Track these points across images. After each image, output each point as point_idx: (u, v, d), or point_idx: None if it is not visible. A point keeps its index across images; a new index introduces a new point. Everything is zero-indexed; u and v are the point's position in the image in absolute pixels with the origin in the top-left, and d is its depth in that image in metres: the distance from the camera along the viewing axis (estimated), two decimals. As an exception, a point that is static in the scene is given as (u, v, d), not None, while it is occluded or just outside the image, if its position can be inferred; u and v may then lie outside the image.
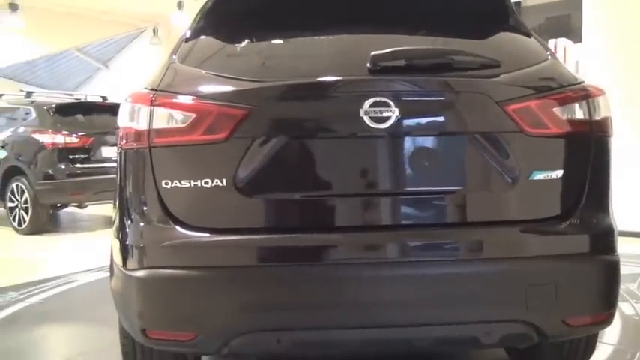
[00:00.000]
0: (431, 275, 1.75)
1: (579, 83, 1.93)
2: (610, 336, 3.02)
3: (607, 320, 1.89)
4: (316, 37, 2.10)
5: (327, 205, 1.81)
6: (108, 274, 2.05)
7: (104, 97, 8.38)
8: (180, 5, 10.75)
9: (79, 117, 7.46)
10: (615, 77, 5.95)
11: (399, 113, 1.73)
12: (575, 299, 1.81)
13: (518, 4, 10.10)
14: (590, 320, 1.86)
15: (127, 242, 1.84)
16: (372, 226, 1.79)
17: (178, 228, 1.77)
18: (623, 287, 3.95)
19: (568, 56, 6.13)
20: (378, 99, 1.72)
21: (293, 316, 1.73)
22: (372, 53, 1.78)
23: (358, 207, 1.80)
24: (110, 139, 6.90)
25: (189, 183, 1.77)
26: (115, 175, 2.01)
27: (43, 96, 8.32)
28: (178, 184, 1.78)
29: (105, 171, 6.78)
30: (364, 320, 1.75)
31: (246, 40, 2.10)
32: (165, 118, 1.81)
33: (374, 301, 1.73)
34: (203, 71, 1.96)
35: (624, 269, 4.69)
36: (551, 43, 6.15)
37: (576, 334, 1.98)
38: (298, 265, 1.73)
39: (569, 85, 1.91)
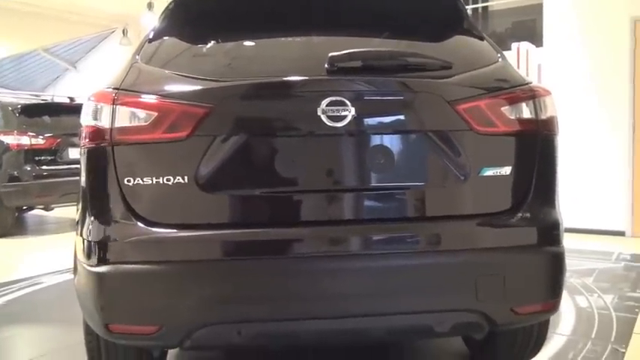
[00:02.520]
0: (387, 267, 1.82)
1: (527, 84, 2.03)
2: (564, 327, 3.15)
3: (553, 308, 1.99)
4: (276, 39, 2.16)
5: (286, 200, 1.87)
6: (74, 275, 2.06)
7: (72, 98, 8.27)
8: (150, 6, 10.67)
9: (46, 118, 7.36)
10: (573, 80, 6.16)
11: (355, 112, 1.80)
12: (523, 289, 1.90)
13: (485, 8, 10.35)
14: (537, 309, 1.96)
15: (90, 239, 1.87)
16: (329, 220, 1.85)
17: (140, 224, 1.81)
18: (580, 281, 4.11)
19: (530, 59, 6.31)
20: (334, 98, 1.79)
21: (253, 308, 1.78)
22: (330, 54, 1.85)
23: (315, 202, 1.86)
24: (77, 140, 6.82)
25: (152, 180, 1.81)
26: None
27: (8, 97, 8.18)
28: (140, 182, 1.82)
29: (72, 172, 6.69)
30: (323, 312, 1.81)
31: (208, 41, 2.14)
32: (127, 117, 1.84)
33: (332, 293, 1.80)
34: (165, 71, 2.00)
35: (583, 264, 4.87)
36: (514, 46, 6.32)
37: (525, 322, 2.07)
38: (256, 259, 1.79)
39: (517, 86, 2.00)
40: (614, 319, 3.28)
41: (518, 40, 6.78)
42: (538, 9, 8.14)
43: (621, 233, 5.95)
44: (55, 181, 6.79)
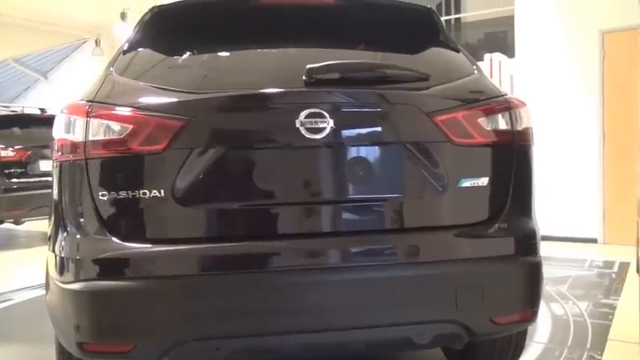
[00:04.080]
0: (367, 279, 1.81)
1: (502, 96, 2.06)
2: (540, 335, 3.18)
3: (531, 318, 2.01)
4: (253, 50, 2.15)
5: (265, 213, 1.85)
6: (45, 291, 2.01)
7: (43, 110, 8.11)
8: (123, 16, 10.57)
9: (16, 130, 7.20)
10: (545, 91, 6.28)
11: (334, 124, 1.79)
12: (502, 299, 1.91)
13: (458, 19, 10.51)
14: (516, 318, 1.97)
15: (63, 255, 1.82)
16: (308, 233, 1.84)
17: (115, 239, 1.77)
18: (554, 289, 4.16)
19: (503, 70, 6.41)
20: (313, 110, 1.78)
21: (230, 324, 1.75)
22: (308, 66, 1.84)
23: (294, 215, 1.85)
24: (49, 152, 6.70)
25: (127, 194, 1.78)
26: (53, 190, 1.98)
27: (-24, 108, 8.00)
28: (115, 196, 1.78)
29: (43, 185, 6.55)
30: (301, 326, 1.79)
31: (184, 53, 2.12)
32: (101, 130, 1.81)
33: (311, 307, 1.78)
34: (141, 83, 1.98)
35: (557, 272, 4.93)
36: (487, 57, 6.42)
37: (504, 332, 2.08)
38: (234, 274, 1.76)
39: (493, 98, 2.03)
40: (589, 326, 3.33)
41: (490, 51, 6.89)
42: (509, 21, 8.30)
43: (593, 240, 6.06)
44: (26, 194, 6.64)
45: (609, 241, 6.02)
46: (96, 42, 12.19)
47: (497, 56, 6.58)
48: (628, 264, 4.99)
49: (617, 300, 3.89)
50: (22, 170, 6.74)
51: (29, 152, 6.79)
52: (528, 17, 6.50)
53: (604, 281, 4.49)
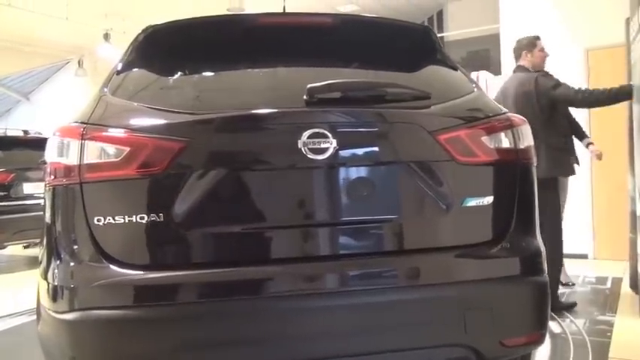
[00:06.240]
0: (372, 304, 1.75)
1: (504, 113, 2.04)
2: (541, 355, 3.14)
3: (540, 339, 1.96)
4: (252, 70, 2.11)
5: (267, 237, 1.79)
6: (31, 317, 1.92)
7: (25, 132, 7.98)
8: (107, 37, 10.53)
9: (-2, 152, 7.06)
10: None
11: (337, 144, 1.75)
12: (510, 320, 1.87)
13: (441, 38, 10.64)
14: (524, 340, 1.92)
15: (56, 283, 1.74)
16: (312, 256, 1.79)
17: (112, 266, 1.70)
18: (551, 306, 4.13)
19: (490, 88, 6.46)
20: (316, 130, 1.74)
21: (235, 352, 1.69)
22: (309, 86, 1.81)
23: (298, 238, 1.80)
24: (33, 175, 6.58)
25: (124, 219, 1.71)
26: (37, 213, 1.91)
27: (-43, 130, 7.84)
28: (112, 220, 1.71)
29: (26, 209, 6.41)
30: (305, 353, 1.73)
31: (181, 73, 2.07)
32: (97, 153, 1.75)
33: (315, 333, 1.72)
34: (136, 104, 1.92)
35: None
36: (473, 75, 6.47)
37: (512, 355, 2.02)
38: (238, 300, 1.69)
39: (495, 115, 2.01)
40: (589, 344, 3.30)
41: (474, 69, 6.96)
42: (491, 40, 8.44)
43: (584, 256, 6.07)
44: (8, 218, 6.47)
45: (600, 257, 6.04)
46: (79, 63, 12.12)
47: (484, 74, 6.65)
48: (620, 279, 4.99)
49: (614, 317, 3.88)
50: (5, 193, 6.57)
51: (12, 175, 6.64)
52: (513, 35, 6.57)
53: (598, 297, 4.48)
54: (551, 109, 4.02)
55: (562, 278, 4.58)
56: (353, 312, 1.74)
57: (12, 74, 14.12)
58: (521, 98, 4.06)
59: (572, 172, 4.18)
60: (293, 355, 1.72)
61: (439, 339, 1.81)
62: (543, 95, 4.00)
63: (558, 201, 4.12)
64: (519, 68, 4.35)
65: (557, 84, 4.03)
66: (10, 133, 8.05)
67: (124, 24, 9.41)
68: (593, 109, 5.59)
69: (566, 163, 4.10)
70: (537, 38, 4.37)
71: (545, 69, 4.27)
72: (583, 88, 4.06)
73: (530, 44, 4.34)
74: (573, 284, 4.72)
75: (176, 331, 1.66)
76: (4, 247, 7.29)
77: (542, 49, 4.34)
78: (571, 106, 4.18)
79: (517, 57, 4.43)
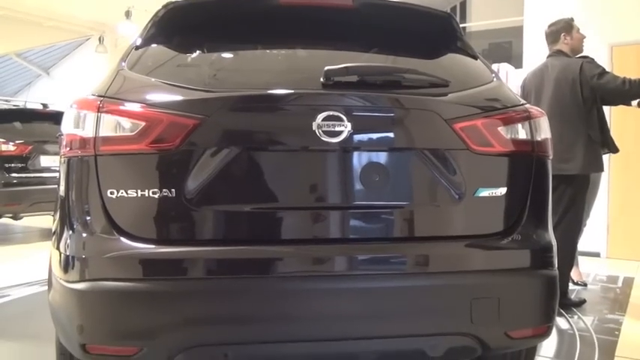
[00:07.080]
0: (379, 289, 1.76)
1: (522, 104, 2.01)
2: (547, 350, 3.12)
3: (546, 332, 1.96)
4: (270, 51, 2.11)
5: (277, 217, 1.80)
6: (43, 288, 1.95)
7: (45, 105, 8.07)
8: (128, 14, 10.53)
9: (17, 124, 7.15)
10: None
11: (352, 128, 1.75)
12: (517, 312, 1.86)
13: (463, 29, 10.50)
14: (530, 333, 1.92)
15: (68, 253, 1.76)
16: (322, 239, 1.79)
17: (123, 239, 1.72)
18: (559, 302, 4.10)
19: (510, 81, 6.38)
20: (330, 113, 1.74)
21: (241, 330, 1.70)
22: (326, 68, 1.80)
23: (308, 220, 1.80)
24: (50, 147, 6.65)
25: (136, 193, 1.73)
26: (53, 186, 1.93)
27: (-22, 102, 7.95)
28: (124, 194, 1.73)
29: (42, 181, 6.51)
30: (311, 334, 1.74)
31: (198, 50, 2.07)
32: (112, 126, 1.76)
33: (322, 315, 1.73)
34: (153, 79, 1.93)
35: (561, 285, 4.82)
36: (494, 67, 6.39)
37: (518, 347, 2.03)
38: (246, 278, 1.71)
39: (512, 106, 1.98)
40: (596, 342, 3.28)
41: (495, 61, 6.86)
42: (514, 32, 8.30)
43: (597, 254, 6.02)
44: (25, 189, 6.58)
45: (612, 256, 5.98)
46: (99, 39, 12.14)
47: (505, 66, 6.56)
48: (632, 279, 4.95)
49: (623, 316, 3.84)
50: (23, 165, 6.67)
51: (30, 147, 6.73)
52: (537, 28, 6.47)
53: (608, 295, 4.44)
54: (594, 99, 3.76)
55: (575, 277, 4.54)
56: (359, 296, 1.75)
57: (33, 48, 14.23)
58: (564, 85, 3.77)
59: (603, 168, 4.00)
60: (300, 335, 1.74)
61: (445, 327, 1.81)
62: (587, 84, 3.73)
63: (584, 200, 3.92)
64: (557, 53, 4.04)
65: (603, 72, 3.75)
66: (29, 106, 8.14)
67: (146, 1, 9.41)
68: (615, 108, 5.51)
69: (600, 158, 3.88)
70: (572, 20, 4.11)
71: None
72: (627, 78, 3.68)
73: (568, 26, 4.06)
74: (585, 285, 4.68)
75: (182, 305, 1.68)
76: (20, 219, 7.40)
77: (578, 31, 4.08)
78: (615, 97, 3.83)
79: (554, 41, 4.10)
